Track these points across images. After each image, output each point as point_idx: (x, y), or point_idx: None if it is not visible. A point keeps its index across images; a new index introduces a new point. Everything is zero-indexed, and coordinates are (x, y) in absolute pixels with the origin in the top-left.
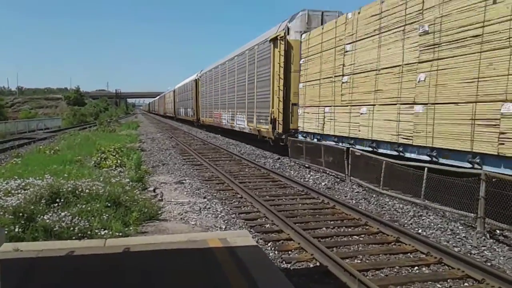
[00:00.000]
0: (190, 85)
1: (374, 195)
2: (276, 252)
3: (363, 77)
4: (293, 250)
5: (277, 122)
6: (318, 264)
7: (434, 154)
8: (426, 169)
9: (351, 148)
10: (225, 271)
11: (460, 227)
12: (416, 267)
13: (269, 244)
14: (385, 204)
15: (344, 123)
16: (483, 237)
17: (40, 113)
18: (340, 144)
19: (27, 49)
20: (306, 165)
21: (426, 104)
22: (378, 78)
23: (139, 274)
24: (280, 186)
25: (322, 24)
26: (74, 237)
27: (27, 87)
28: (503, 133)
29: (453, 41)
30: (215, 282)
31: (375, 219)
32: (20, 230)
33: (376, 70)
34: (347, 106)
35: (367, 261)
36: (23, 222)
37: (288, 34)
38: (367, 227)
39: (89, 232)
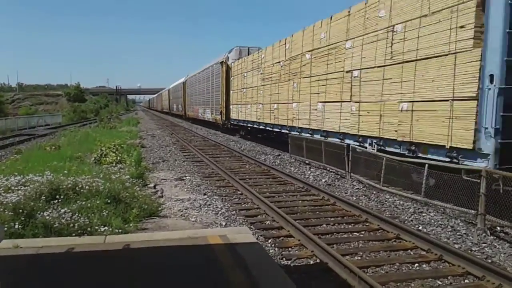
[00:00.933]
0: (179, 86)
1: (374, 192)
2: (276, 249)
3: (249, 90)
4: (293, 247)
5: (222, 113)
6: (318, 260)
7: (269, 128)
8: (426, 165)
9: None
10: (225, 268)
11: (460, 224)
12: (417, 264)
13: (269, 241)
14: (386, 201)
15: (244, 113)
16: (484, 234)
17: (41, 110)
18: (243, 124)
19: (27, 45)
20: (307, 162)
21: (262, 104)
22: (252, 91)
23: (139, 271)
24: (280, 182)
25: (248, 54)
26: (74, 234)
27: (27, 84)
28: (290, 119)
29: (267, 78)
30: (215, 279)
31: (376, 216)
32: (20, 226)
33: (251, 87)
34: (245, 104)
35: (367, 258)
36: (23, 218)
37: (228, 60)
38: (367, 224)
39: (89, 229)
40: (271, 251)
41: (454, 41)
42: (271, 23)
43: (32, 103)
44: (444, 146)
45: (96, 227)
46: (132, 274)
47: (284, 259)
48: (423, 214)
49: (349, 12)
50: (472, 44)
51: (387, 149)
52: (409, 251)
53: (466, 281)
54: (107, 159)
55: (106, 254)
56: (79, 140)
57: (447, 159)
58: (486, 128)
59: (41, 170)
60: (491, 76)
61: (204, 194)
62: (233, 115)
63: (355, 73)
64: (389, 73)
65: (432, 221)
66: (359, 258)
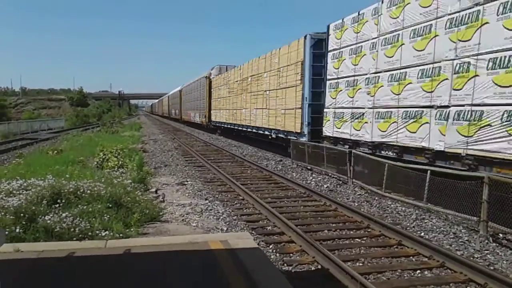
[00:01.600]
0: (177, 94)
1: (376, 198)
2: (277, 254)
3: (222, 99)
4: (294, 253)
5: (206, 117)
6: (319, 267)
7: (235, 127)
8: (429, 172)
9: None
10: (226, 273)
11: (463, 231)
12: (419, 271)
13: (270, 246)
14: (387, 207)
15: (219, 116)
16: (486, 241)
17: (43, 114)
18: (219, 124)
19: (30, 50)
20: (308, 167)
21: (228, 109)
22: (223, 100)
23: (140, 276)
24: (282, 188)
25: (226, 71)
26: (75, 238)
27: (30, 88)
28: (242, 120)
29: (231, 91)
30: (215, 284)
31: (377, 222)
32: (21, 230)
33: (223, 97)
34: (219, 109)
35: (369, 264)
36: (24, 222)
37: (211, 75)
38: (369, 230)
39: (90, 233)
40: (272, 256)
41: (295, 80)
42: (270, 26)
43: (35, 107)
44: (293, 131)
45: (97, 232)
46: (132, 279)
47: (285, 264)
48: (425, 221)
49: (265, 56)
50: (300, 82)
51: (279, 135)
52: (411, 257)
53: None
54: (109, 163)
55: (107, 258)
56: (81, 145)
57: (295, 138)
58: (305, 122)
59: (43, 174)
60: (306, 98)
61: (206, 199)
62: (213, 118)
63: (267, 92)
64: (278, 94)
65: (434, 227)
66: (361, 264)
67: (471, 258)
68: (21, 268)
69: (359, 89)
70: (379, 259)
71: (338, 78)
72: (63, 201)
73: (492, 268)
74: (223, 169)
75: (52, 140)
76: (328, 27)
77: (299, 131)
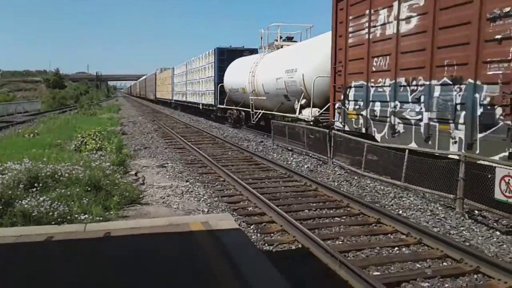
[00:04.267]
0: (143, 81)
1: (355, 177)
2: (258, 234)
3: (160, 86)
4: (275, 233)
5: (154, 95)
6: (300, 246)
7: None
8: (407, 151)
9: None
10: (207, 255)
11: (439, 208)
12: (397, 248)
13: (251, 227)
14: (367, 186)
15: (159, 95)
16: (462, 218)
17: (19, 96)
18: (159, 99)
19: (4, 30)
20: (289, 148)
21: (160, 91)
22: (159, 86)
23: (120, 259)
24: (263, 169)
25: (164, 71)
26: (53, 222)
27: (5, 70)
28: (165, 96)
29: (162, 83)
30: (196, 266)
31: (357, 201)
32: None
33: (159, 85)
34: (159, 91)
35: (348, 242)
36: (0, 207)
37: (157, 73)
38: (348, 209)
39: (68, 217)
40: (253, 236)
41: (170, 82)
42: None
43: (10, 89)
44: (171, 99)
45: (76, 215)
46: (112, 262)
47: (266, 244)
48: (403, 199)
49: (168, 70)
50: (170, 83)
51: (169, 101)
52: (389, 235)
53: (445, 264)
54: (87, 146)
55: (86, 242)
56: (58, 127)
57: (170, 101)
58: (174, 96)
59: (19, 157)
60: (173, 88)
61: (187, 181)
62: (157, 96)
63: (169, 85)
64: (168, 86)
65: (412, 205)
66: (340, 242)
67: (448, 235)
68: None
69: (176, 87)
70: (358, 237)
71: (175, 83)
72: (41, 185)
73: (467, 244)
74: (204, 150)
75: (29, 123)
76: (173, 68)
77: (171, 98)
